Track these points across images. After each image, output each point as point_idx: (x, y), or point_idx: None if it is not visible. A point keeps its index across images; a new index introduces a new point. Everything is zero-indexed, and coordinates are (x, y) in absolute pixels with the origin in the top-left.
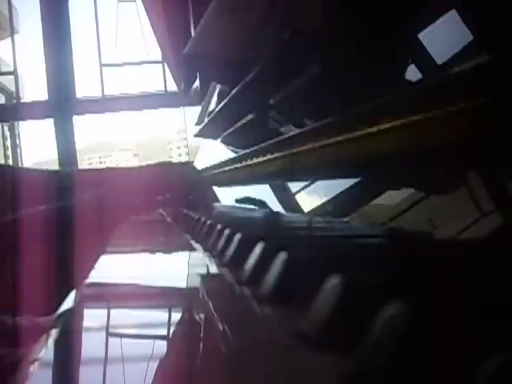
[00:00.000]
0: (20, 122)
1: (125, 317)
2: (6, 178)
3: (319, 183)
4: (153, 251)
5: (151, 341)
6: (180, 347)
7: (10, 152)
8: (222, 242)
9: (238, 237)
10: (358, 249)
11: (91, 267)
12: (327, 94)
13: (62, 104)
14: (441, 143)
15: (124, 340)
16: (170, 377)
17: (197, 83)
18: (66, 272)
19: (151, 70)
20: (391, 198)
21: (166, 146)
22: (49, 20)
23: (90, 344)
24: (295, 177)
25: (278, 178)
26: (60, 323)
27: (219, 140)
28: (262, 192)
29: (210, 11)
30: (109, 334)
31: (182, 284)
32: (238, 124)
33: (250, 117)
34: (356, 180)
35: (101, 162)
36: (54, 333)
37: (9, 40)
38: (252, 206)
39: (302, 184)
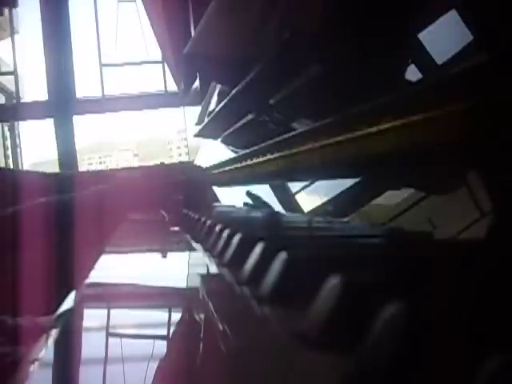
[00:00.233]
0: (20, 122)
1: (125, 317)
2: (6, 182)
3: (319, 183)
4: (155, 250)
5: (151, 341)
6: (180, 347)
7: (9, 152)
8: (221, 242)
9: (237, 237)
10: (358, 249)
11: (91, 267)
12: (327, 93)
13: (62, 104)
14: (441, 143)
15: (124, 340)
16: (170, 377)
17: (197, 83)
18: (65, 272)
19: (151, 70)
20: (391, 198)
21: (166, 146)
22: (49, 20)
23: (90, 344)
24: (295, 177)
25: (278, 178)
26: (60, 323)
27: (219, 140)
28: (262, 192)
29: (209, 11)
30: (109, 334)
31: (182, 284)
32: (238, 124)
33: (250, 117)
34: (356, 180)
35: (101, 162)
36: (53, 333)
37: (9, 40)
38: (254, 205)
39: (302, 184)
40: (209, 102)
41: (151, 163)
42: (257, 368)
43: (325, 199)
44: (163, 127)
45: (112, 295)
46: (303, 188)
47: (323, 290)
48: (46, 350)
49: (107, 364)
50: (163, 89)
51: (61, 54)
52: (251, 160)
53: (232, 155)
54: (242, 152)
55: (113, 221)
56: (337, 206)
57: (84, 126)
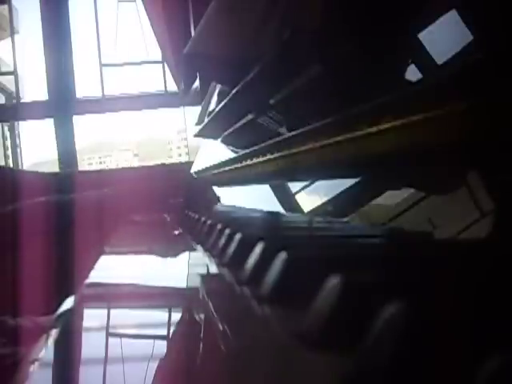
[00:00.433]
0: (20, 122)
1: (125, 317)
2: (6, 181)
3: (319, 183)
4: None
5: (151, 341)
6: (180, 347)
7: (10, 152)
8: (221, 242)
9: (237, 237)
10: (358, 249)
11: (91, 267)
12: (327, 93)
13: (62, 104)
14: (441, 143)
15: (124, 340)
16: (170, 377)
17: (197, 83)
18: (66, 272)
19: (151, 70)
20: (391, 198)
21: (166, 146)
22: (49, 20)
23: (90, 344)
24: (295, 177)
25: (278, 178)
26: (60, 323)
27: (219, 140)
28: (262, 192)
29: (210, 11)
30: (109, 334)
31: (182, 284)
32: (238, 124)
33: (249, 117)
34: (356, 180)
35: (101, 162)
36: (53, 333)
37: (9, 40)
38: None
39: (302, 184)
40: (209, 102)
41: (151, 163)
42: (257, 368)
43: (325, 199)
44: (163, 127)
45: (112, 295)
46: (303, 188)
47: (323, 290)
48: (45, 350)
49: (107, 364)
50: (163, 89)
51: (61, 53)
52: (251, 160)
53: (232, 155)
54: (242, 152)
55: (113, 221)
56: (337, 206)
57: (84, 126)
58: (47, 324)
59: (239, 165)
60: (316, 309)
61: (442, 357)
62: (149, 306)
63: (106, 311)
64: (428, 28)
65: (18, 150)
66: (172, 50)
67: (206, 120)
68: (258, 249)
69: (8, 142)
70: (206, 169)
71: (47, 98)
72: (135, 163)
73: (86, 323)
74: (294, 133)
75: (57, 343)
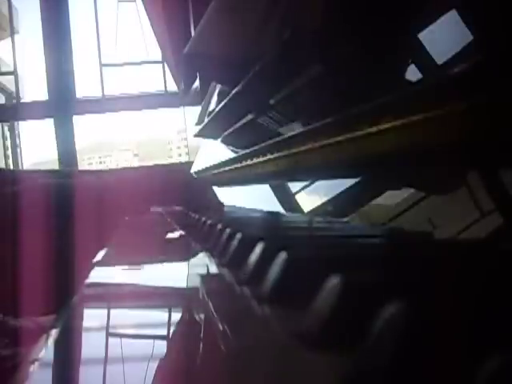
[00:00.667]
0: (20, 122)
1: (125, 317)
2: (6, 182)
3: (319, 183)
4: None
5: (151, 341)
6: (180, 347)
7: (9, 152)
8: (222, 242)
9: (238, 237)
10: (358, 249)
11: (91, 267)
12: (327, 93)
13: (62, 104)
14: (441, 143)
15: (124, 340)
16: (170, 377)
17: (197, 83)
18: (66, 273)
19: (151, 70)
20: (391, 198)
21: (166, 146)
22: (49, 20)
23: (90, 344)
24: (295, 177)
25: (278, 178)
26: (60, 323)
27: (219, 140)
28: (262, 192)
29: (210, 11)
30: (109, 334)
31: (182, 284)
32: (238, 124)
33: (249, 117)
34: (356, 180)
35: (101, 162)
36: (53, 333)
37: (9, 40)
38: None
39: (302, 184)
40: (209, 102)
41: (151, 163)
42: (257, 368)
43: (325, 199)
44: (163, 127)
45: (112, 295)
46: (303, 188)
47: (323, 289)
48: (45, 350)
49: (107, 364)
50: (163, 89)
51: (61, 54)
52: (251, 160)
53: (232, 155)
54: (242, 152)
55: (113, 221)
56: (337, 206)
57: (84, 126)
58: (47, 324)
59: (239, 165)
60: (316, 309)
61: (441, 357)
62: (149, 306)
63: (105, 311)
64: (428, 28)
65: (18, 150)
66: (172, 50)
67: (206, 120)
68: (258, 249)
69: (8, 142)
70: (206, 169)
71: (47, 98)
72: (135, 163)
73: (86, 323)
74: (293, 133)
75: (57, 343)
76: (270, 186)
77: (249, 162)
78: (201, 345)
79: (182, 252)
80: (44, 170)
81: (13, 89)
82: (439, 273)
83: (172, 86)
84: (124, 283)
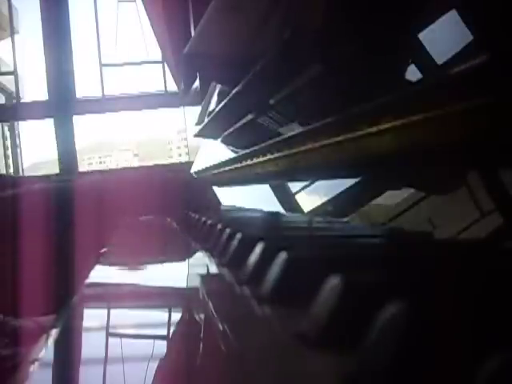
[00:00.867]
0: (20, 122)
1: (125, 317)
2: (6, 186)
3: (319, 183)
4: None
5: (151, 341)
6: (180, 347)
7: (10, 152)
8: (222, 242)
9: (238, 237)
10: (358, 249)
11: (91, 267)
12: (328, 93)
13: (62, 104)
14: (441, 143)
15: (124, 340)
16: (170, 377)
17: (197, 83)
18: (66, 273)
19: (151, 70)
20: (391, 198)
21: (166, 146)
22: (49, 20)
23: (90, 344)
24: (295, 177)
25: (278, 178)
26: (60, 323)
27: (219, 140)
28: (262, 192)
29: (210, 11)
30: (109, 334)
31: (182, 284)
32: (238, 124)
33: (249, 117)
34: (356, 180)
35: (101, 162)
36: (53, 333)
37: (9, 40)
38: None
39: (302, 184)
40: (209, 102)
41: (151, 163)
42: (257, 368)
43: (325, 199)
44: (163, 127)
45: (112, 295)
46: (303, 188)
47: (323, 290)
48: (45, 350)
49: (107, 364)
50: (163, 89)
51: (61, 54)
52: (251, 160)
53: (232, 155)
54: (242, 152)
55: (113, 221)
56: (337, 206)
57: (84, 126)
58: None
59: (239, 165)
60: (316, 309)
61: (442, 357)
62: (149, 306)
63: (106, 311)
64: (428, 28)
65: (18, 150)
66: (172, 50)
67: (206, 120)
68: (258, 249)
69: (8, 142)
70: (206, 169)
71: (47, 98)
72: (135, 163)
73: (86, 323)
74: (293, 133)
75: (57, 343)
76: (270, 186)
77: (249, 162)
78: (201, 345)
79: (181, 252)
80: (43, 176)
81: (13, 89)
82: (439, 273)
83: (172, 86)
84: (124, 283)
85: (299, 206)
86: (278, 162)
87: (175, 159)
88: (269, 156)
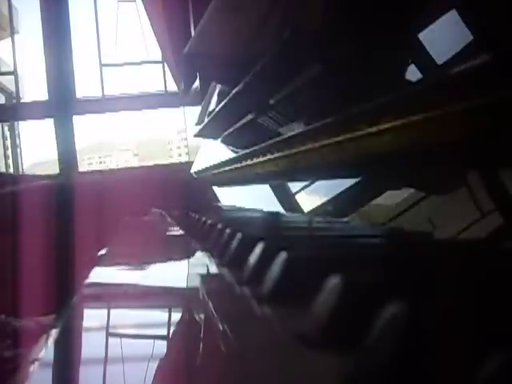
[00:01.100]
0: (20, 122)
1: (125, 317)
2: (7, 184)
3: (319, 183)
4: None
5: (151, 341)
6: (180, 347)
7: (10, 152)
8: (222, 242)
9: (238, 237)
10: (358, 249)
11: (91, 267)
12: (327, 93)
13: (62, 104)
14: (441, 143)
15: (124, 340)
16: (170, 377)
17: (197, 83)
18: (66, 273)
19: (151, 70)
20: (391, 198)
21: (166, 146)
22: (49, 20)
23: (90, 344)
24: (295, 177)
25: (278, 178)
26: (60, 323)
27: (219, 140)
28: (262, 192)
29: (210, 11)
30: (109, 334)
31: (182, 284)
32: (238, 124)
33: (249, 117)
34: (356, 180)
35: (101, 162)
36: (53, 333)
37: (9, 40)
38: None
39: (302, 184)
40: (209, 102)
41: (151, 163)
42: (257, 368)
43: (325, 199)
44: (163, 127)
45: (112, 295)
46: (303, 188)
47: (324, 289)
48: (45, 350)
49: (107, 364)
50: (163, 89)
51: (61, 54)
52: (251, 160)
53: (232, 155)
54: (242, 152)
55: (113, 221)
56: (337, 206)
57: (84, 126)
58: (47, 324)
59: (239, 165)
60: (316, 309)
61: (442, 356)
62: (149, 305)
63: (106, 311)
64: (428, 28)
65: (18, 150)
66: (172, 50)
67: (206, 120)
68: (258, 249)
69: (8, 142)
70: (206, 169)
71: (47, 98)
72: (135, 163)
73: (86, 323)
74: (293, 133)
75: (57, 343)
76: (270, 186)
77: (249, 162)
78: (201, 345)
79: (181, 252)
80: (44, 175)
81: (13, 89)
82: (439, 273)
83: (172, 86)
84: (124, 283)
85: (299, 206)
86: (278, 162)
87: (175, 159)
88: (269, 156)
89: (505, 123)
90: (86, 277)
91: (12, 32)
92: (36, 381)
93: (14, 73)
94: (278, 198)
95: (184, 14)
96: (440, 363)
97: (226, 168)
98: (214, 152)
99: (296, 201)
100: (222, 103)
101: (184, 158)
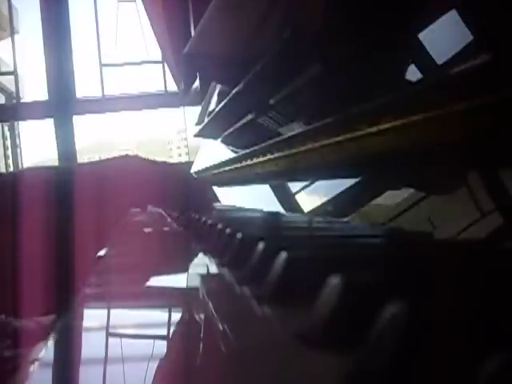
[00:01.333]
0: (20, 122)
1: (125, 317)
2: (6, 183)
3: (319, 183)
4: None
5: (151, 341)
6: (180, 347)
7: (10, 152)
8: (222, 242)
9: (238, 237)
10: (358, 249)
11: (91, 268)
12: (327, 93)
13: (62, 104)
14: (441, 143)
15: (124, 340)
16: (170, 377)
17: (197, 83)
18: (66, 273)
19: (151, 70)
20: (391, 198)
21: (166, 146)
22: (49, 20)
23: (90, 344)
24: (295, 177)
25: (278, 178)
26: (60, 323)
27: (219, 140)
28: (262, 192)
29: (210, 10)
30: (109, 334)
31: (182, 284)
32: (238, 124)
33: (249, 117)
34: (356, 180)
35: None
36: (53, 333)
37: (9, 40)
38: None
39: (302, 184)
40: (209, 102)
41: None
42: (257, 368)
43: (325, 199)
44: (163, 127)
45: (112, 295)
46: (303, 188)
47: (324, 289)
48: (45, 350)
49: (107, 364)
50: (163, 89)
51: (61, 54)
52: (251, 160)
53: (232, 155)
54: (242, 152)
55: (112, 221)
56: (337, 206)
57: (84, 126)
58: (47, 324)
59: (239, 165)
60: (317, 309)
61: (442, 356)
62: (149, 305)
63: (106, 311)
64: (428, 28)
65: (18, 150)
66: (172, 50)
67: (206, 120)
68: (259, 249)
69: (8, 142)
70: (206, 169)
71: (47, 98)
72: None
73: (86, 323)
74: (293, 133)
75: (57, 343)
76: (270, 186)
77: (249, 162)
78: (201, 345)
79: (183, 256)
80: (43, 167)
81: (13, 89)
82: (439, 273)
83: (172, 86)
84: (124, 283)
85: (299, 206)
86: (278, 162)
87: (175, 159)
88: (269, 156)
89: (505, 123)
90: (87, 277)
91: (12, 32)
92: (36, 381)
93: (14, 73)
94: (278, 198)
95: (184, 14)
96: (440, 363)
97: (226, 168)
98: (214, 152)
99: (296, 201)
100: (222, 103)
101: (184, 158)
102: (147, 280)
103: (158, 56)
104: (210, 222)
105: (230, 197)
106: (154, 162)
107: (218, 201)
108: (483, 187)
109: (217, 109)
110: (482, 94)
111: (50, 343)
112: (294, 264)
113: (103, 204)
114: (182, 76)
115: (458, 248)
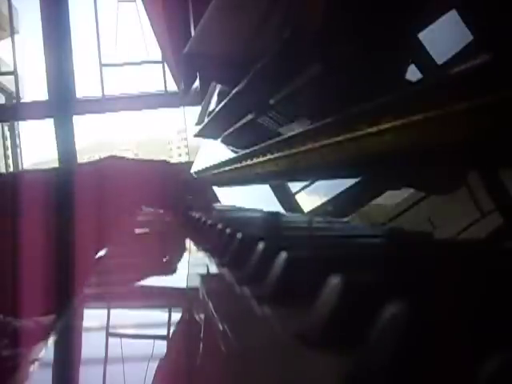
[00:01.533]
0: (20, 122)
1: (125, 317)
2: (7, 184)
3: (319, 183)
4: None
5: (151, 341)
6: (180, 347)
7: (10, 152)
8: (222, 242)
9: (238, 237)
10: (358, 249)
11: (91, 268)
12: (327, 93)
13: (62, 104)
14: (441, 143)
15: (124, 340)
16: (170, 377)
17: (197, 83)
18: (66, 273)
19: (151, 70)
20: (391, 198)
21: (166, 146)
22: (49, 20)
23: (90, 344)
24: (295, 177)
25: (278, 178)
26: (60, 323)
27: (219, 140)
28: (262, 192)
29: (210, 10)
30: (109, 334)
31: (182, 284)
32: (238, 124)
33: (249, 117)
34: (356, 180)
35: None
36: (54, 333)
37: (9, 40)
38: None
39: (302, 184)
40: (209, 102)
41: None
42: (257, 368)
43: (325, 199)
44: (163, 127)
45: (112, 295)
46: (303, 188)
47: (324, 289)
48: (45, 350)
49: (107, 364)
50: (163, 89)
51: (61, 53)
52: (251, 160)
53: (232, 155)
54: (242, 152)
55: (112, 221)
56: (337, 206)
57: (84, 126)
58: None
59: (239, 165)
60: (317, 309)
61: (442, 356)
62: (149, 305)
63: (106, 311)
64: (428, 28)
65: (18, 150)
66: (172, 50)
67: (206, 120)
68: (259, 249)
69: (8, 142)
70: (206, 169)
71: (47, 98)
72: None
73: (86, 323)
74: (293, 133)
75: (57, 343)
76: (270, 186)
77: (249, 162)
78: (201, 345)
79: (181, 252)
80: (44, 169)
81: (13, 89)
82: (439, 273)
83: (172, 86)
84: (124, 283)
85: (299, 206)
86: (278, 162)
87: (175, 159)
88: (269, 156)
89: (505, 123)
90: (87, 277)
91: (12, 32)
92: (36, 381)
93: (14, 73)
94: (278, 198)
95: (184, 14)
96: (440, 363)
97: (226, 168)
98: (214, 152)
99: (296, 201)
100: (222, 103)
101: (184, 158)
102: (147, 280)
103: (158, 56)
104: (210, 222)
105: (230, 197)
106: (141, 161)
107: (218, 201)
108: (483, 187)
109: (217, 109)
110: (482, 94)
111: (50, 343)
112: (294, 264)
113: (103, 206)
114: (182, 76)
115: (458, 248)
